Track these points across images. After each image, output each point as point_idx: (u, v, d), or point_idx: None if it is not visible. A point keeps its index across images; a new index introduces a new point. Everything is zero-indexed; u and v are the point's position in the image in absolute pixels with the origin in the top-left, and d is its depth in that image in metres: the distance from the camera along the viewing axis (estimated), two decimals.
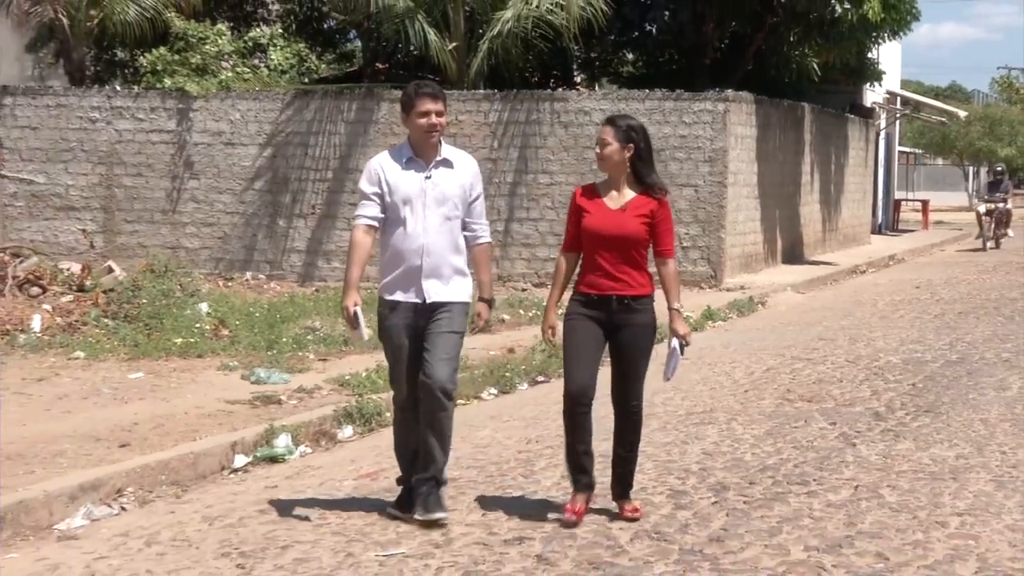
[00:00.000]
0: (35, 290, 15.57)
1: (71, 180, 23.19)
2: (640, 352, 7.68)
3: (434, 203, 7.62)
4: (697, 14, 25.95)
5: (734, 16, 26.91)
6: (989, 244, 34.57)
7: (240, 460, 9.35)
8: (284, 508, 8.11)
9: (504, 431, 10.55)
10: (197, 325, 14.61)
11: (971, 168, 67.24)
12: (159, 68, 24.47)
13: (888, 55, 36.07)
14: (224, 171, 22.88)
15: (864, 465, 9.29)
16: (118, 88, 24.32)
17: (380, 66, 28.23)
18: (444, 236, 7.65)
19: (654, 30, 27.31)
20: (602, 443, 8.06)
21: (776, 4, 25.36)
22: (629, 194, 7.70)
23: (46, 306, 15.03)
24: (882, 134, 39.30)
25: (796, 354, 14.80)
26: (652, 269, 7.73)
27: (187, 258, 22.08)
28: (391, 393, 8.15)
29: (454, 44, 22.81)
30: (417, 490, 7.62)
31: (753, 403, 11.77)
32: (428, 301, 7.60)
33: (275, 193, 22.79)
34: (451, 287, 7.68)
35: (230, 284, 21.45)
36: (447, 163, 7.74)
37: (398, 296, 7.64)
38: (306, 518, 7.80)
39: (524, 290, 20.95)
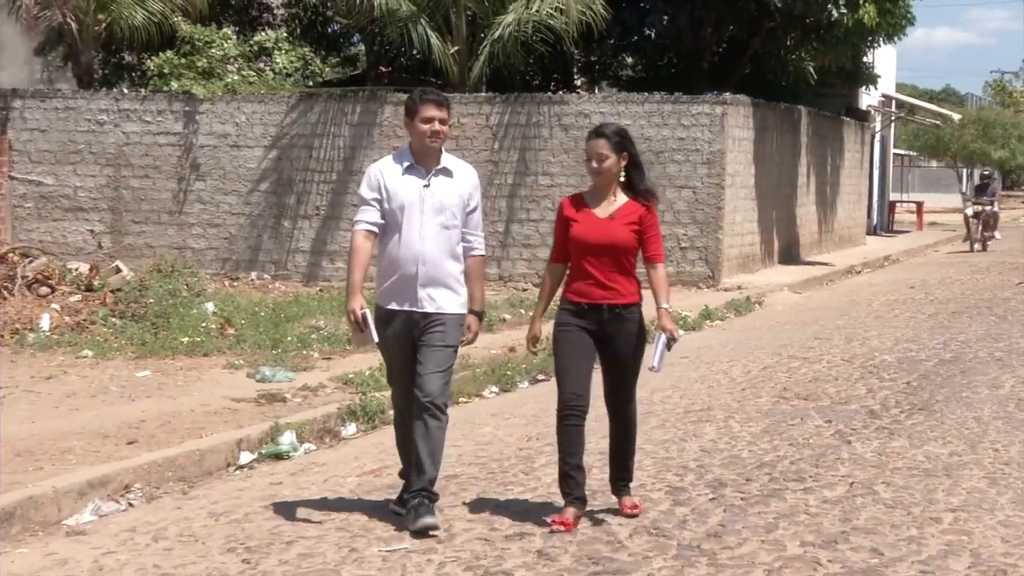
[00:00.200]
0: (44, 290, 15.57)
1: (79, 182, 23.19)
2: (632, 361, 7.64)
3: (432, 211, 7.51)
4: (695, 18, 25.95)
5: (731, 20, 26.91)
6: (976, 246, 34.38)
7: (245, 457, 9.36)
8: (289, 504, 8.12)
9: (505, 428, 10.55)
10: (203, 324, 14.61)
11: (965, 170, 67.17)
12: (166, 71, 24.50)
13: (883, 59, 36.10)
14: (230, 173, 22.88)
15: (859, 462, 9.29)
16: (125, 91, 24.32)
17: (383, 70, 28.23)
18: (441, 245, 7.53)
19: (653, 34, 27.31)
20: (600, 440, 8.06)
21: (773, 9, 25.36)
22: (618, 201, 7.60)
23: (55, 305, 15.03)
24: (877, 136, 39.30)
25: (792, 353, 14.80)
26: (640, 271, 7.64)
27: (193, 258, 22.06)
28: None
29: (456, 48, 22.82)
30: (409, 502, 7.54)
31: (750, 401, 11.77)
32: (423, 310, 7.49)
33: (280, 195, 22.80)
34: (447, 297, 7.55)
35: (236, 284, 21.46)
36: (447, 172, 7.62)
37: (394, 305, 7.54)
38: (318, 521, 7.79)
39: (524, 290, 20.95)
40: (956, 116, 53.89)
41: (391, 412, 8.62)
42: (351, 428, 10.40)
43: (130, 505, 8.18)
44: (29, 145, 23.23)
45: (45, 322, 14.35)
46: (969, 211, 35.05)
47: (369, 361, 12.36)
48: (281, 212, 22.80)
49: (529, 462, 9.25)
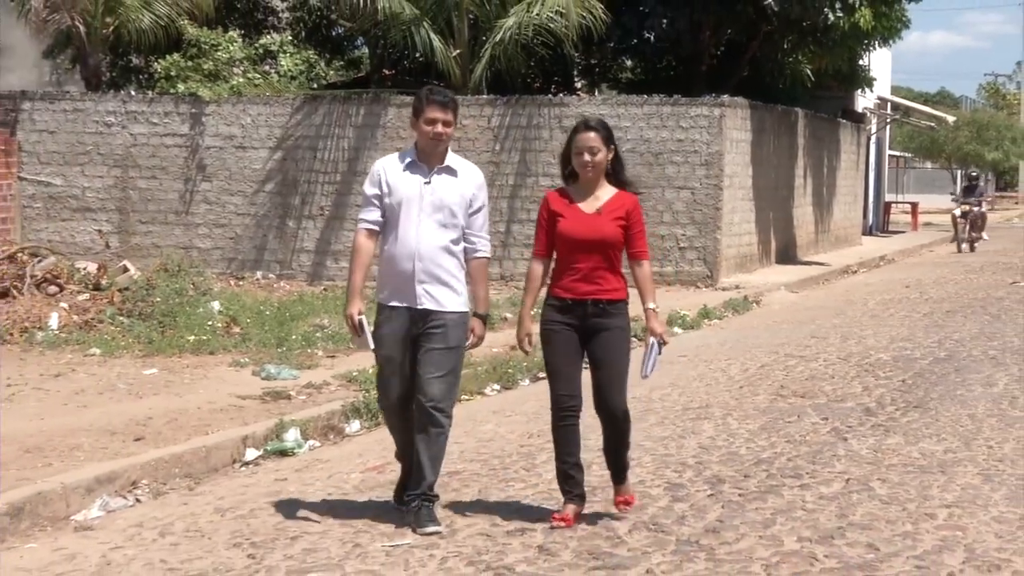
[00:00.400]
0: (53, 289, 15.57)
1: (87, 182, 23.19)
2: (617, 355, 7.44)
3: (430, 208, 7.40)
4: (694, 22, 25.94)
5: (730, 24, 26.90)
6: (963, 247, 34.05)
7: (251, 453, 9.36)
8: (293, 500, 8.12)
9: (506, 425, 10.55)
10: (209, 323, 14.61)
11: (959, 172, 67.21)
12: (173, 74, 24.54)
13: (879, 62, 36.13)
14: (235, 174, 22.89)
15: (855, 459, 9.29)
16: (133, 93, 24.35)
17: (387, 72, 28.24)
18: (438, 242, 7.40)
19: (652, 37, 27.29)
20: (600, 437, 8.05)
21: (770, 12, 25.34)
22: (605, 195, 7.49)
23: (63, 304, 15.03)
24: (873, 138, 39.28)
25: (789, 351, 14.80)
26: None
27: (200, 258, 22.06)
28: None
29: (458, 51, 22.83)
30: (409, 505, 7.50)
31: (748, 399, 11.77)
32: (421, 307, 7.38)
33: (285, 195, 22.80)
34: (445, 295, 7.42)
35: (241, 283, 21.47)
36: (450, 171, 7.52)
37: (394, 302, 7.44)
38: (322, 517, 7.80)
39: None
40: (950, 118, 53.91)
41: None
42: (355, 425, 10.40)
43: (137, 501, 8.19)
44: (38, 146, 23.23)
45: (54, 321, 14.35)
46: (957, 212, 34.64)
47: (372, 359, 12.33)
48: (286, 212, 22.80)
49: (530, 459, 9.25)
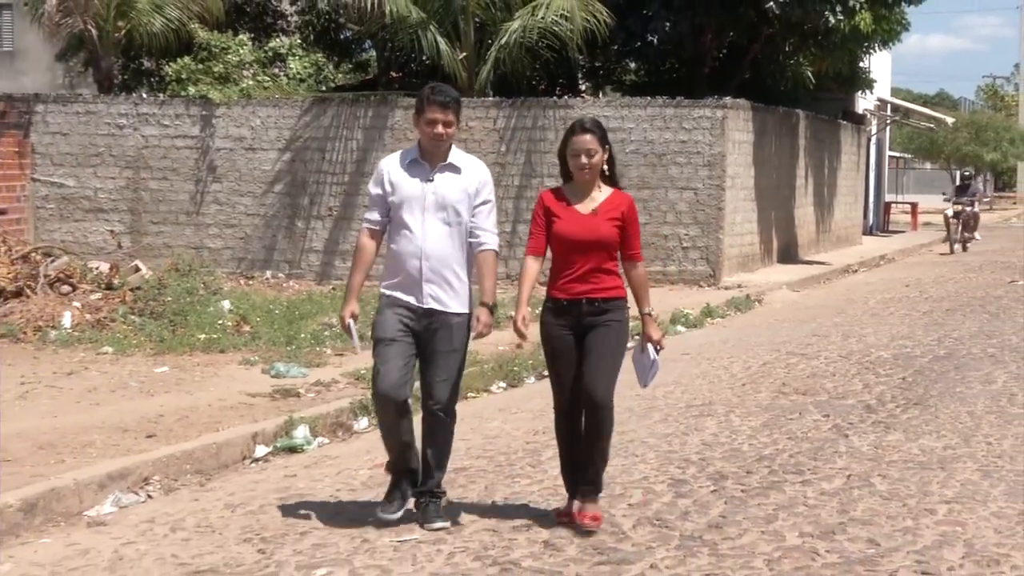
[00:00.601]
0: (66, 288, 15.58)
1: (100, 183, 23.20)
2: (607, 346, 7.23)
3: (434, 207, 7.31)
4: (696, 25, 25.91)
5: (732, 27, 26.88)
6: (956, 247, 33.48)
7: (261, 450, 9.36)
8: (303, 496, 8.12)
9: (512, 423, 10.55)
10: (220, 322, 14.61)
11: (958, 172, 67.21)
12: (183, 77, 24.54)
13: (879, 64, 36.08)
14: (245, 175, 22.89)
15: (856, 455, 9.28)
16: (144, 96, 24.37)
17: (394, 75, 28.23)
18: (444, 241, 7.31)
19: (655, 40, 27.24)
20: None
21: (772, 15, 25.31)
22: (600, 196, 7.35)
23: (76, 303, 15.03)
24: (873, 139, 39.24)
25: (791, 349, 14.79)
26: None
27: (210, 258, 22.09)
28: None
29: (464, 54, 22.83)
30: (417, 501, 7.48)
31: (750, 396, 11.76)
32: (426, 307, 7.29)
33: (294, 196, 22.81)
34: (451, 295, 7.33)
35: (251, 282, 21.48)
36: (453, 168, 7.41)
37: (398, 294, 7.33)
38: (331, 513, 7.80)
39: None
40: (949, 119, 53.89)
41: None
42: (363, 422, 10.40)
43: (149, 497, 8.19)
44: (51, 148, 23.25)
45: (67, 319, 14.36)
46: (949, 212, 34.04)
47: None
48: (295, 213, 22.81)
49: (536, 455, 9.24)
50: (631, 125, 21.77)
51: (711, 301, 18.79)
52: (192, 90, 23.72)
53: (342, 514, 7.65)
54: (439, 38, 22.44)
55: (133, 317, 14.69)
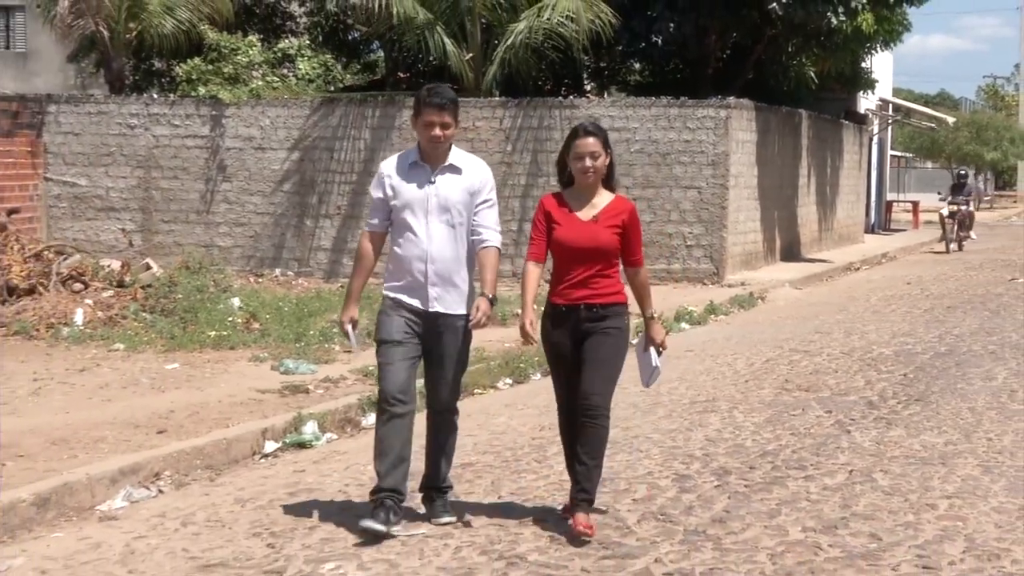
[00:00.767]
0: (78, 286, 15.60)
1: (111, 183, 23.21)
2: (606, 354, 7.09)
3: (437, 209, 7.16)
4: (700, 26, 25.89)
5: (735, 28, 26.85)
6: (952, 247, 32.82)
7: (270, 446, 9.37)
8: (312, 491, 8.13)
9: (519, 418, 10.55)
10: (230, 319, 14.63)
11: (965, 171, 67.21)
12: (194, 77, 24.55)
13: (880, 64, 36.03)
14: (255, 174, 22.90)
15: (858, 451, 9.27)
16: (155, 96, 24.36)
17: (402, 75, 28.22)
18: (449, 243, 7.18)
19: (660, 41, 27.22)
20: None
21: (775, 17, 25.28)
22: (602, 202, 7.20)
23: (88, 301, 15.05)
24: (875, 139, 39.19)
25: (794, 346, 14.77)
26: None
27: (220, 256, 22.11)
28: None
29: (471, 54, 22.82)
30: (425, 495, 7.47)
31: (753, 392, 11.76)
32: (432, 310, 7.18)
33: (302, 195, 22.80)
34: (456, 297, 7.21)
35: (260, 280, 21.48)
36: (454, 169, 7.25)
37: (403, 297, 7.22)
38: (339, 507, 7.79)
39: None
40: (950, 119, 53.88)
41: None
42: (371, 418, 10.34)
43: (160, 492, 8.20)
44: (63, 148, 23.26)
45: (79, 317, 14.38)
46: (945, 211, 33.44)
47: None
48: (304, 211, 22.81)
49: (541, 451, 9.24)
50: (636, 125, 21.76)
51: (715, 298, 18.78)
52: (202, 90, 23.73)
53: (350, 509, 7.64)
54: (446, 39, 22.43)
55: (144, 314, 14.71)
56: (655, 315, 7.37)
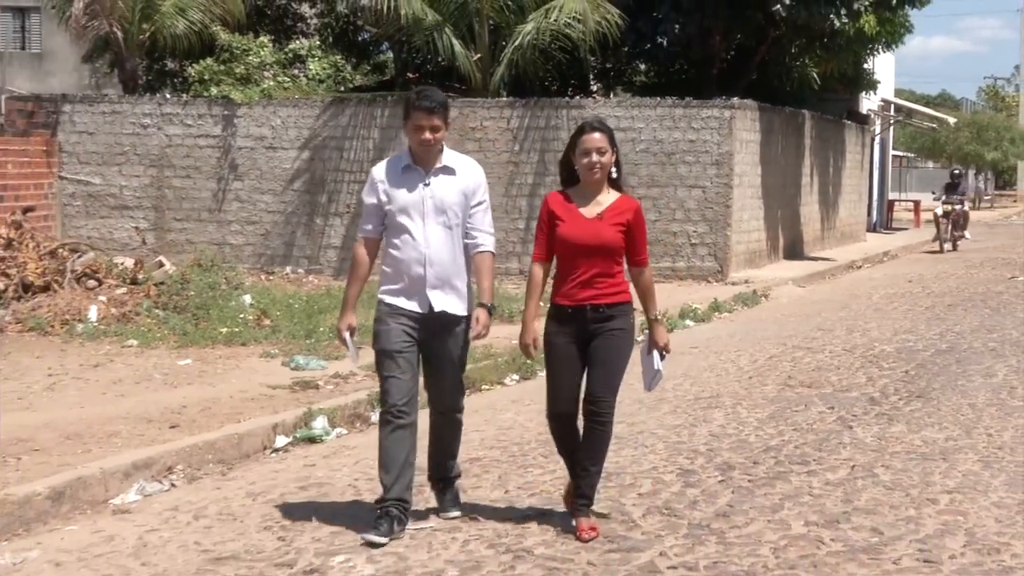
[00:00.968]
0: (92, 283, 15.62)
1: (125, 181, 23.23)
2: (613, 355, 6.95)
3: (433, 212, 6.99)
4: (705, 27, 25.87)
5: (739, 29, 26.83)
6: (946, 246, 32.40)
7: (281, 440, 9.37)
8: (322, 485, 8.13)
9: (525, 414, 10.54)
10: (241, 316, 14.63)
11: (959, 170, 67.09)
12: (206, 77, 24.57)
13: (882, 65, 36.00)
14: (266, 173, 22.91)
15: (860, 446, 9.26)
16: (168, 96, 24.38)
17: (411, 75, 28.22)
18: (446, 245, 7.02)
19: (665, 42, 27.22)
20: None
21: (779, 18, 25.26)
22: (607, 200, 7.02)
23: (102, 298, 15.07)
24: (877, 139, 39.16)
25: (797, 343, 14.76)
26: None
27: (232, 253, 22.13)
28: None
29: (479, 55, 22.81)
30: (434, 486, 7.44)
31: (757, 389, 11.75)
32: (430, 312, 7.01)
33: (313, 193, 22.81)
34: (455, 298, 7.06)
35: (271, 278, 21.50)
36: (448, 170, 7.08)
37: (400, 302, 7.05)
38: (349, 501, 7.80)
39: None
40: (951, 120, 53.82)
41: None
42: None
43: (172, 485, 8.20)
44: (78, 147, 23.28)
45: (93, 313, 14.39)
46: (939, 210, 32.93)
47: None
48: (314, 210, 22.82)
49: (548, 446, 9.18)
50: (641, 125, 21.75)
51: (719, 296, 18.77)
52: (214, 90, 23.74)
53: (360, 502, 7.65)
54: (454, 40, 22.43)
55: (157, 311, 14.72)
56: (659, 317, 7.18)
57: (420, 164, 7.07)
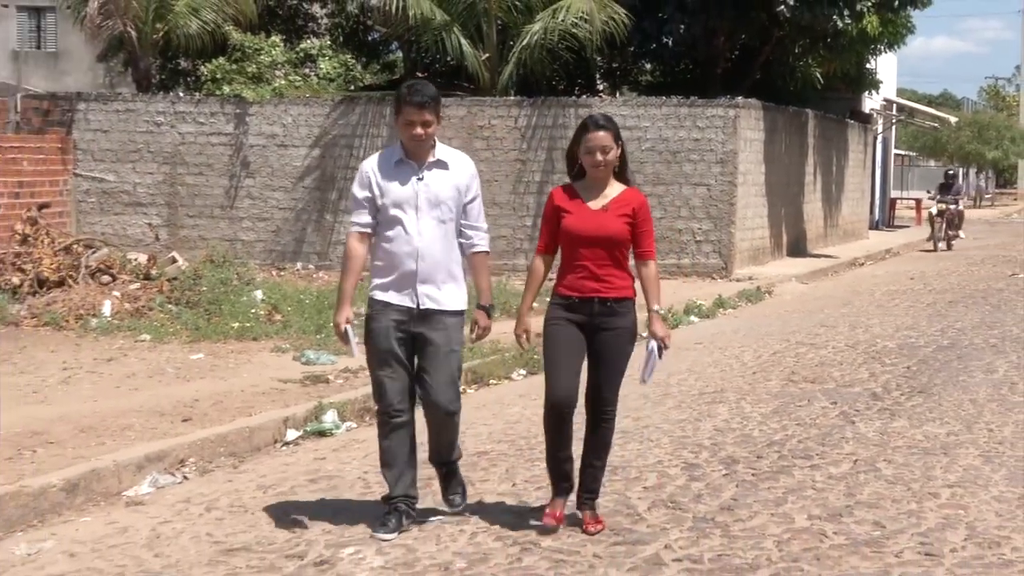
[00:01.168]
0: (106, 278, 15.62)
1: (138, 178, 23.24)
2: (619, 356, 6.87)
3: (427, 205, 6.84)
4: (710, 28, 25.84)
5: (744, 29, 26.80)
6: (940, 246, 31.86)
7: (291, 434, 9.37)
8: (332, 478, 8.13)
9: (532, 408, 10.52)
10: (252, 311, 14.63)
11: (961, 169, 66.94)
12: (218, 76, 24.58)
13: (885, 65, 35.89)
14: (277, 170, 22.91)
15: (862, 441, 9.25)
16: (181, 95, 24.38)
17: (420, 75, 28.19)
18: (439, 240, 6.87)
19: (670, 42, 27.19)
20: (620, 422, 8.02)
21: (782, 19, 25.24)
22: (612, 192, 6.91)
23: (116, 293, 15.08)
24: (879, 138, 39.09)
25: (800, 339, 14.75)
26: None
27: (243, 250, 22.12)
28: None
29: (487, 55, 22.80)
30: (438, 471, 7.33)
31: (760, 384, 11.74)
32: (422, 307, 6.86)
33: (323, 190, 22.81)
34: (446, 293, 6.91)
35: (282, 273, 21.48)
36: (441, 164, 6.93)
37: (391, 298, 6.91)
38: (358, 494, 7.80)
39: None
40: (953, 119, 53.71)
41: None
42: None
43: (185, 478, 8.21)
44: (92, 144, 23.29)
45: (107, 308, 14.40)
46: (933, 210, 32.33)
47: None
48: (324, 206, 22.82)
49: None
50: (647, 124, 21.73)
51: (723, 293, 18.75)
52: (226, 89, 23.75)
53: (369, 495, 7.65)
54: (463, 40, 22.42)
55: (170, 306, 14.73)
56: (660, 310, 6.97)
57: (413, 158, 6.93)
